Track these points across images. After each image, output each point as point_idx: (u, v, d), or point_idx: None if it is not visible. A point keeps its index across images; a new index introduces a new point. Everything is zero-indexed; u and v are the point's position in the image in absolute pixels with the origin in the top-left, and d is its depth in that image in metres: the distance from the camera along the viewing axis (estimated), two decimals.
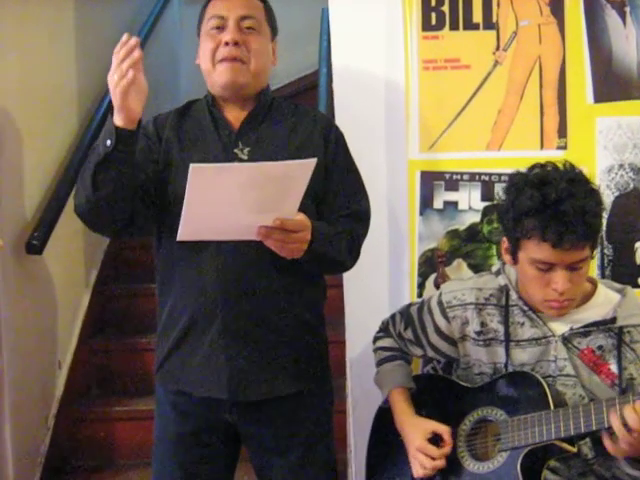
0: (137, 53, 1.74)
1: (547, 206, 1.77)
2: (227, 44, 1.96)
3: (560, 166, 1.85)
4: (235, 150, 1.97)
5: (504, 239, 1.93)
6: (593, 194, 1.82)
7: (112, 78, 1.75)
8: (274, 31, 2.08)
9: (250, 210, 1.72)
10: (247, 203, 1.71)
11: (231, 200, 1.70)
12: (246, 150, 1.97)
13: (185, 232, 1.77)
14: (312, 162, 1.70)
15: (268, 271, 1.92)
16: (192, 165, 1.64)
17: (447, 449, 1.94)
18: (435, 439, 1.97)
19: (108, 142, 1.79)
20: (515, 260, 1.89)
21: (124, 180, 1.82)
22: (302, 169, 1.71)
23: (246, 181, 1.68)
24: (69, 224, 3.42)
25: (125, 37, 1.75)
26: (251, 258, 1.90)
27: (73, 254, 3.63)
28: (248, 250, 1.87)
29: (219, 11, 1.99)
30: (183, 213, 1.72)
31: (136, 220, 1.92)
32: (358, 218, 2.05)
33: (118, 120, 1.79)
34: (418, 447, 1.96)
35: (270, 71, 2.07)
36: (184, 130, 2.03)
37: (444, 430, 1.96)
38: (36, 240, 3.07)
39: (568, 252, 1.77)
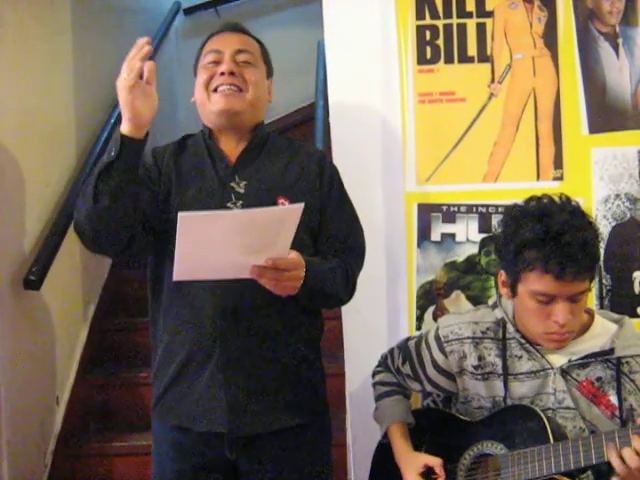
0: (147, 48, 1.79)
1: (549, 238, 1.77)
2: (223, 74, 1.98)
3: (556, 199, 1.86)
4: (232, 184, 1.98)
5: (501, 272, 1.93)
6: (591, 226, 1.84)
7: (121, 77, 1.78)
8: (270, 70, 2.11)
9: (242, 252, 1.72)
10: (238, 246, 1.71)
11: (222, 244, 1.70)
12: (242, 184, 1.98)
13: (179, 273, 1.77)
14: (300, 207, 1.69)
15: (265, 305, 1.92)
16: (180, 214, 1.63)
17: None
18: (431, 472, 1.96)
19: (112, 152, 1.80)
20: (514, 293, 1.88)
21: (125, 191, 1.81)
22: (290, 214, 1.70)
23: (235, 227, 1.68)
24: (67, 259, 3.43)
25: (138, 41, 1.80)
26: (248, 292, 1.88)
27: (71, 289, 3.62)
28: (245, 285, 1.84)
29: (215, 46, 2.03)
30: (176, 256, 1.72)
31: (135, 242, 1.91)
32: (353, 253, 2.05)
33: (125, 126, 1.80)
34: None
35: (266, 107, 2.09)
36: (182, 163, 2.04)
37: (435, 463, 1.96)
38: (34, 276, 3.06)
39: (570, 284, 1.77)
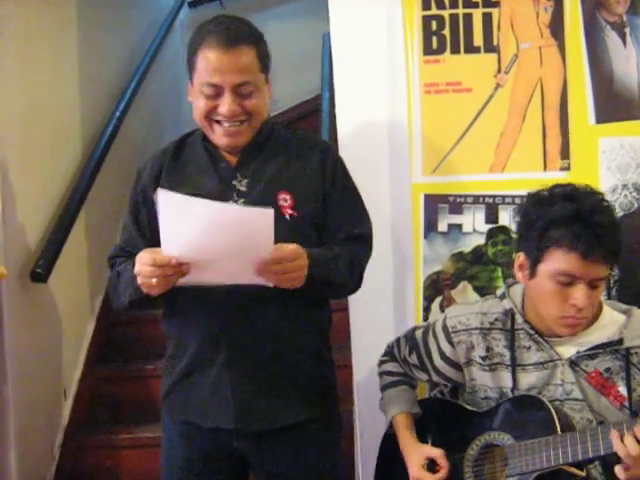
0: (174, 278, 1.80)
1: (580, 216, 1.78)
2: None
3: (581, 186, 1.87)
4: (234, 182, 1.97)
5: (519, 255, 1.91)
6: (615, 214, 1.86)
7: (148, 282, 1.79)
8: (268, 70, 1.99)
9: (230, 255, 1.73)
10: (220, 244, 1.72)
11: (203, 236, 1.72)
12: (244, 182, 1.97)
13: (167, 250, 1.78)
14: (268, 212, 1.67)
15: (271, 300, 1.90)
16: (159, 190, 1.69)
17: (441, 474, 1.94)
18: (435, 463, 1.97)
19: (134, 294, 1.90)
20: (533, 274, 1.87)
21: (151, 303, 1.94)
22: (260, 217, 1.69)
23: (208, 219, 1.70)
24: (73, 252, 3.44)
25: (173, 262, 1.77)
26: (253, 288, 1.86)
27: (78, 282, 3.63)
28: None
29: (212, 79, 1.90)
30: (161, 233, 1.75)
31: None
32: (359, 241, 2.03)
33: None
34: (413, 475, 1.97)
35: (269, 104, 2.03)
36: (181, 166, 2.03)
37: (437, 454, 1.96)
38: (41, 268, 3.07)
39: (594, 265, 1.77)
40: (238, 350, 1.92)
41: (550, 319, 1.87)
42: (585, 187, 1.87)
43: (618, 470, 1.70)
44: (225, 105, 1.90)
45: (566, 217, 1.79)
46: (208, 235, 1.72)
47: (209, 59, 1.90)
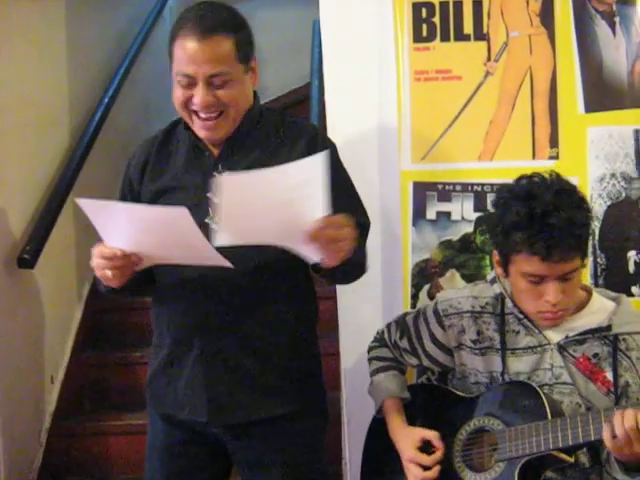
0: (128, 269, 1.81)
1: (534, 220, 1.77)
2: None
3: (547, 177, 1.85)
4: (215, 174, 1.90)
5: (494, 252, 1.93)
6: (580, 204, 1.83)
7: (101, 270, 1.81)
8: (249, 59, 1.93)
9: (173, 246, 1.75)
10: (162, 240, 1.75)
11: (142, 236, 1.75)
12: (225, 174, 1.93)
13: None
14: (181, 211, 1.65)
15: (247, 293, 1.88)
16: (76, 199, 1.74)
17: (438, 455, 1.94)
18: (428, 446, 1.97)
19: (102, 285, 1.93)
20: (506, 273, 1.89)
21: (133, 290, 1.94)
22: (175, 216, 1.67)
23: (131, 221, 1.73)
24: (61, 238, 3.43)
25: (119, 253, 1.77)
26: (229, 280, 1.84)
27: (65, 268, 3.62)
28: (227, 269, 1.78)
29: (186, 69, 1.86)
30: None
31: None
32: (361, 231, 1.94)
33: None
34: (409, 457, 1.96)
35: (250, 95, 1.98)
36: (166, 156, 2.01)
37: (432, 435, 1.96)
38: (28, 254, 3.06)
39: (558, 264, 1.77)
40: (212, 344, 1.91)
41: (530, 314, 1.90)
42: (549, 178, 1.84)
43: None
44: (198, 96, 1.86)
45: (520, 222, 1.78)
46: (140, 232, 1.74)
47: (184, 48, 1.86)
